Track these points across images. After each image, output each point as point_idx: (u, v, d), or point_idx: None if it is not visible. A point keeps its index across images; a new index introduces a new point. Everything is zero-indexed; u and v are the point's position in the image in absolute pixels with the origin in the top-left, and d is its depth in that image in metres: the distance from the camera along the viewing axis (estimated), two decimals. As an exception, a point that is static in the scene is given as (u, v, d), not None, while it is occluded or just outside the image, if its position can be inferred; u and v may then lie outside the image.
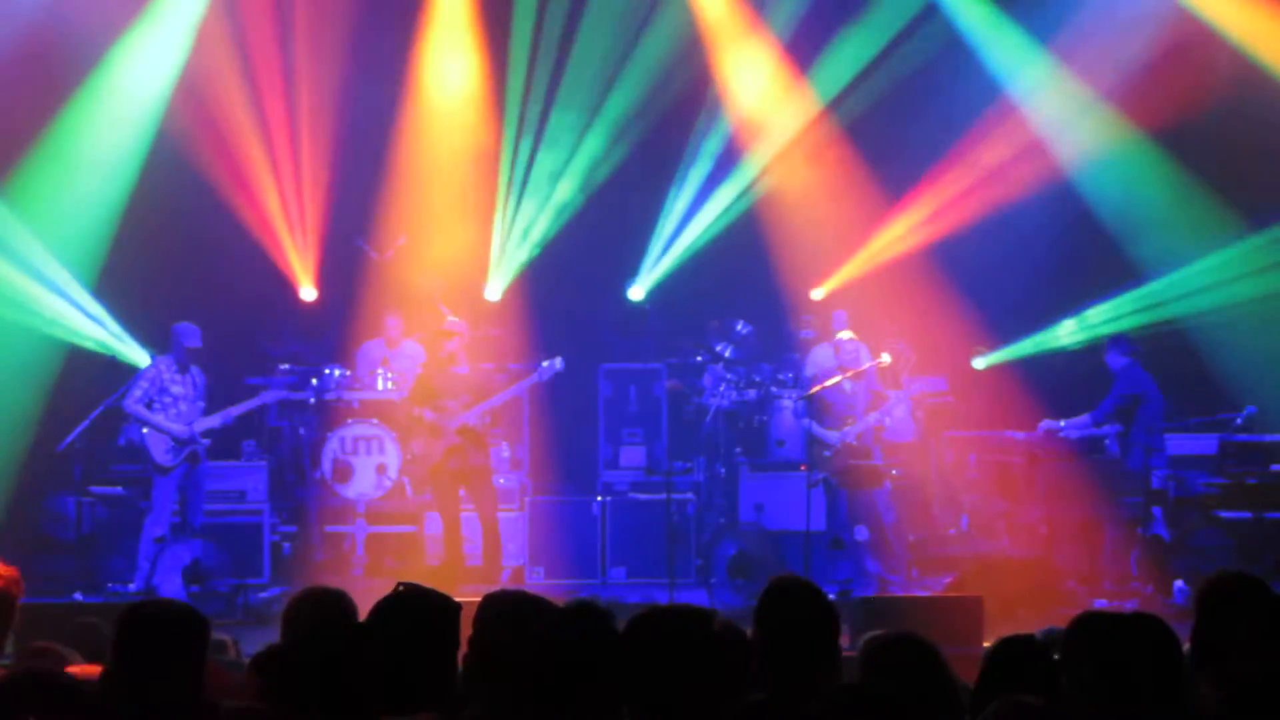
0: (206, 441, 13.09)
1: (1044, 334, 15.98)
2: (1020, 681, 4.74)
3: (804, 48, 15.91)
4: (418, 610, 4.89)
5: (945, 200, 16.06)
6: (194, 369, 13.07)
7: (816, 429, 13.25)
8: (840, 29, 15.69)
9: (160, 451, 12.83)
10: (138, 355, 14.60)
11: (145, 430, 12.85)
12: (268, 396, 13.70)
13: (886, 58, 15.61)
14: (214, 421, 13.08)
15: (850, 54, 15.69)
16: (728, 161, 16.47)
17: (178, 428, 12.83)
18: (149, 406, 12.83)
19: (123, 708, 4.25)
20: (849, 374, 13.16)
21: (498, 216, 16.44)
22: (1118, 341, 13.47)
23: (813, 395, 13.26)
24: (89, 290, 14.80)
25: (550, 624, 4.32)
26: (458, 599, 5.10)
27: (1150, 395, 13.19)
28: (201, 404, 13.07)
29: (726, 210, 16.50)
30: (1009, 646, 5.08)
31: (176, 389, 12.94)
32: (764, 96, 16.25)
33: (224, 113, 15.34)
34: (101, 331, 14.80)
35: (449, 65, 16.20)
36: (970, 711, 4.84)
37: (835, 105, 15.97)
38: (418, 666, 4.58)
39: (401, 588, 5.02)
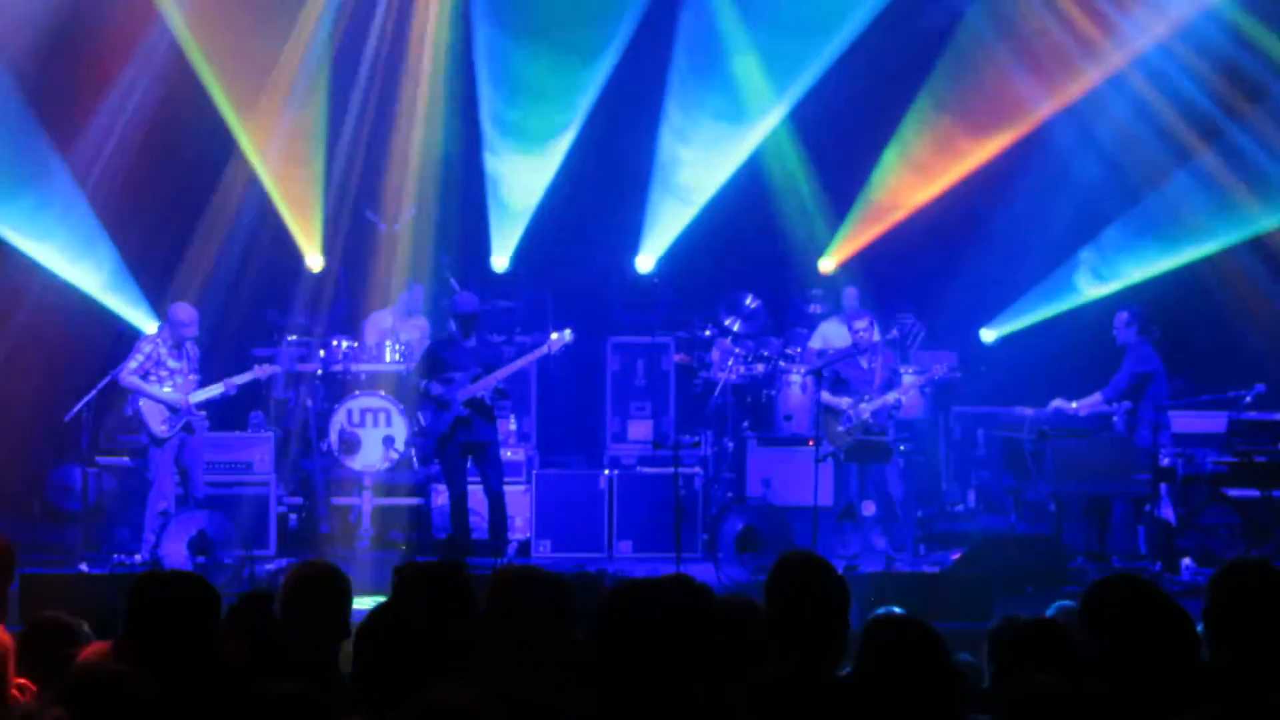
0: (203, 414, 13.06)
1: (1054, 304, 15.90)
2: (1039, 662, 4.72)
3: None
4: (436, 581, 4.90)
5: (958, 170, 15.97)
6: (188, 343, 13.06)
7: (832, 402, 13.27)
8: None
9: (156, 422, 12.81)
10: (148, 325, 14.58)
11: (141, 402, 12.84)
12: (261, 371, 13.60)
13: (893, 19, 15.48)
14: (212, 392, 13.06)
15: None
16: (732, 127, 16.35)
17: (174, 398, 12.81)
18: (145, 379, 12.82)
19: (137, 677, 4.26)
20: (864, 336, 13.27)
21: (502, 188, 16.37)
22: (1132, 315, 13.33)
23: (827, 368, 13.29)
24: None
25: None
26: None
27: (1159, 372, 13.16)
28: (196, 377, 13.05)
29: (733, 178, 16.39)
30: (1025, 630, 5.05)
31: (172, 363, 12.92)
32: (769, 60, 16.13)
33: (229, 79, 15.25)
34: (112, 299, 14.84)
35: (451, 31, 16.09)
36: (991, 690, 4.83)
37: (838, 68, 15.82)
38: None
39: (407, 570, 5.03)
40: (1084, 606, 4.74)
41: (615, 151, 16.23)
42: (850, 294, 15.45)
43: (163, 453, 12.85)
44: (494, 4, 15.74)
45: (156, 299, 14.54)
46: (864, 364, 13.42)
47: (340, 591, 5.47)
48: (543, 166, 16.22)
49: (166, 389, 12.81)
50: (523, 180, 16.28)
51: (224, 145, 15.30)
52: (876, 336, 13.53)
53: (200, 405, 13.01)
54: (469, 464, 13.23)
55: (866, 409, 13.15)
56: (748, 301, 15.84)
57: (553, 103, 15.99)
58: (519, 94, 15.93)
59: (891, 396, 13.20)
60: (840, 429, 13.22)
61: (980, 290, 15.88)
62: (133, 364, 12.80)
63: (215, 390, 13.08)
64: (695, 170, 16.36)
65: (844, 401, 13.21)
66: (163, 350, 12.92)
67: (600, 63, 15.81)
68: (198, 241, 15.15)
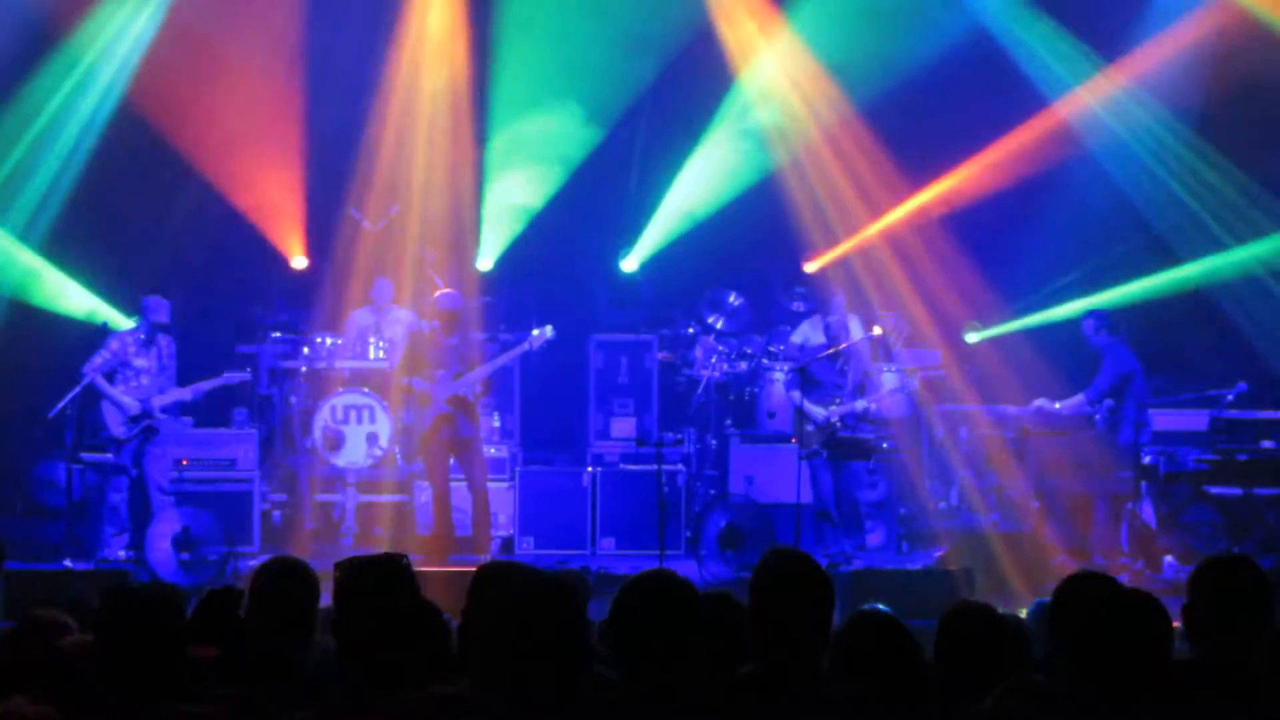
0: (164, 416, 12.96)
1: (1037, 307, 15.93)
2: (978, 651, 4.76)
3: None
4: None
5: (943, 174, 15.99)
6: (162, 339, 12.97)
7: (804, 403, 13.24)
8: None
9: (116, 423, 12.77)
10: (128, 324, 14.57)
11: (103, 401, 12.80)
12: (230, 378, 13.48)
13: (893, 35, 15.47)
14: (184, 395, 13.02)
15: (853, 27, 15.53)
16: (722, 130, 16.36)
17: (128, 401, 12.73)
18: (110, 378, 12.77)
19: (111, 682, 4.30)
20: (839, 348, 13.18)
21: (488, 185, 16.34)
22: (1099, 319, 13.42)
23: (802, 369, 13.26)
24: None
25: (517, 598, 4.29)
26: (447, 569, 5.11)
27: (1139, 371, 13.25)
28: (170, 374, 13.00)
29: (720, 181, 16.39)
30: (963, 616, 5.05)
31: (140, 362, 12.85)
32: (763, 65, 16.12)
33: (209, 76, 15.19)
34: (93, 300, 14.80)
35: (438, 28, 16.04)
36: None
37: (835, 75, 15.81)
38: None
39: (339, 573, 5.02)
40: (1053, 604, 4.77)
41: (604, 152, 16.22)
42: (837, 302, 15.45)
43: (120, 452, 12.82)
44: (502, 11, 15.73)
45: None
46: (838, 366, 13.38)
47: (307, 586, 5.38)
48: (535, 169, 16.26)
49: (131, 388, 12.77)
50: (512, 181, 16.28)
51: (207, 143, 15.28)
52: (855, 333, 13.54)
53: (165, 408, 12.93)
54: (452, 461, 13.24)
55: (836, 411, 13.07)
56: (731, 299, 15.86)
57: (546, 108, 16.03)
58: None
59: (860, 404, 13.14)
60: (809, 429, 13.18)
61: (964, 289, 15.87)
62: (98, 360, 12.73)
63: (184, 394, 13.03)
64: (687, 174, 16.38)
65: (818, 411, 13.09)
66: (131, 348, 12.85)
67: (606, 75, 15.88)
68: (182, 239, 15.13)
